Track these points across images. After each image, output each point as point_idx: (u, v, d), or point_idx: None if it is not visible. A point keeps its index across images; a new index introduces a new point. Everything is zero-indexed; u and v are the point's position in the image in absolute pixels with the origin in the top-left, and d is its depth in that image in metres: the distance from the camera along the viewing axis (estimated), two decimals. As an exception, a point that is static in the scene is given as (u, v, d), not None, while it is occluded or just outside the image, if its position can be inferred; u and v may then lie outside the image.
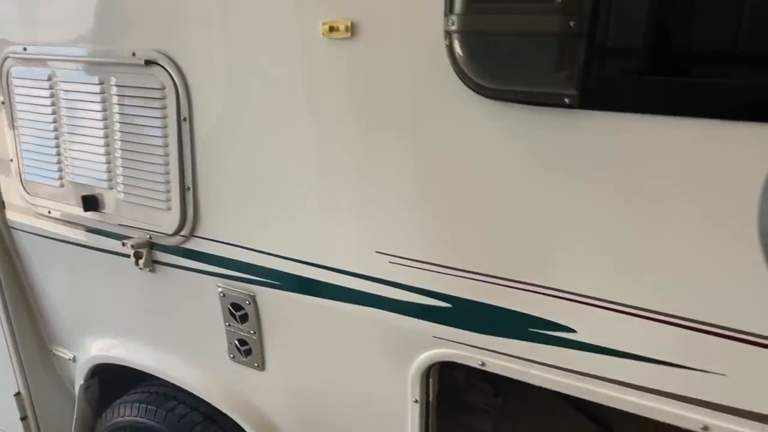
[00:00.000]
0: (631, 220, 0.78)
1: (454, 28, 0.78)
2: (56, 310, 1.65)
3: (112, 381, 1.68)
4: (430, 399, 1.05)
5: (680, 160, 0.72)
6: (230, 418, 1.36)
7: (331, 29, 0.90)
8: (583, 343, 0.85)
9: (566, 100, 0.74)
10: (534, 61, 0.74)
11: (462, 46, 0.78)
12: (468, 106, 0.83)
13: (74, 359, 1.69)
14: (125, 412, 1.58)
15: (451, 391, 1.29)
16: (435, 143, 0.88)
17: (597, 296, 0.82)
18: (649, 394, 0.82)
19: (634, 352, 0.81)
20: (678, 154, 0.72)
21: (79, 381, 1.66)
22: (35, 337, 1.75)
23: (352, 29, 0.89)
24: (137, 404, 1.55)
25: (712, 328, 0.75)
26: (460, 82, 0.81)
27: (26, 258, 1.60)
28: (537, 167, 0.82)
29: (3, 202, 1.55)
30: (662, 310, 0.78)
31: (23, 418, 1.82)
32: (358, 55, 0.90)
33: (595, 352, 0.84)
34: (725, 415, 0.77)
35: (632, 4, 0.72)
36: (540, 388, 0.91)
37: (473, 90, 0.81)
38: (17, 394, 1.79)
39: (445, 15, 0.79)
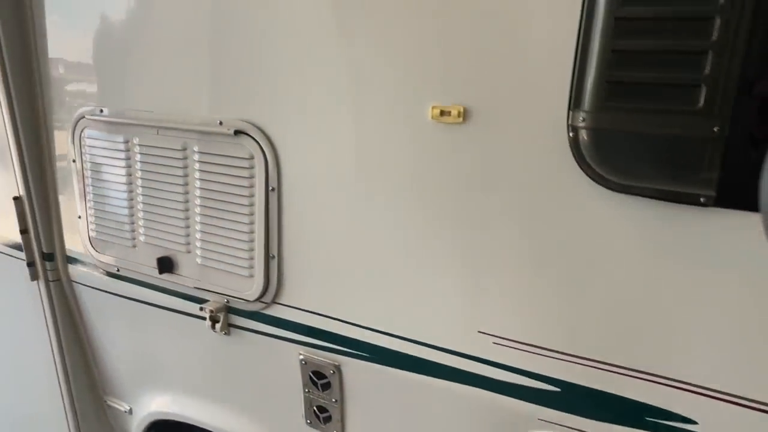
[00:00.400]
0: (757, 317, 0.77)
1: (582, 124, 0.77)
2: (114, 363, 1.63)
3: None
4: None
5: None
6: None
7: (442, 113, 0.90)
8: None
9: (702, 200, 0.74)
10: (672, 162, 0.73)
11: (590, 141, 0.78)
12: (589, 196, 0.82)
13: (130, 411, 1.67)
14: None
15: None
16: (550, 229, 0.88)
17: (721, 389, 0.81)
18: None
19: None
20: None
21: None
22: (90, 387, 1.74)
23: (465, 114, 0.89)
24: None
25: None
26: (582, 172, 0.81)
27: (86, 311, 1.59)
28: (662, 258, 0.81)
29: (67, 257, 1.55)
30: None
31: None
32: (469, 139, 0.90)
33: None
34: None
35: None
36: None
37: (596, 182, 0.80)
38: (69, 445, 1.78)
39: (571, 109, 0.79)
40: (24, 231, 1.52)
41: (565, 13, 0.77)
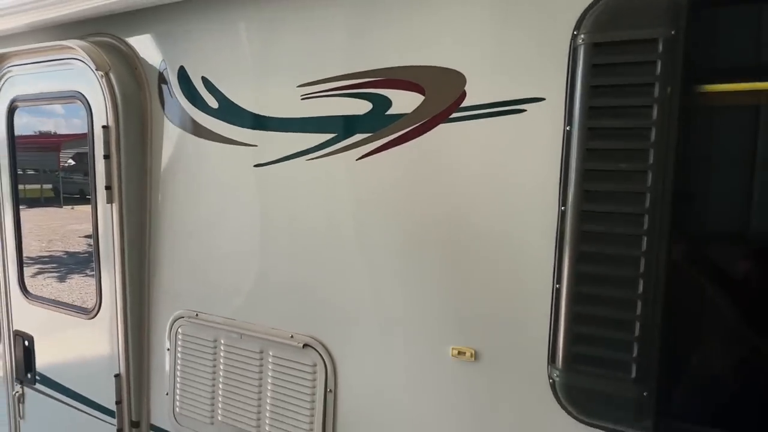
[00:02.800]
0: None
1: (556, 377, 1.12)
2: None
3: None
4: None
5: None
6: None
7: (459, 353, 1.26)
8: None
9: (643, 438, 1.05)
10: (620, 413, 1.06)
11: (562, 389, 1.12)
12: (565, 425, 1.14)
13: None
14: None
15: None
16: (540, 445, 1.19)
17: None
18: None
19: None
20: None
21: None
22: None
23: (475, 355, 1.24)
24: None
25: None
26: (561, 409, 1.14)
27: (160, 473, 1.88)
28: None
29: (151, 426, 1.87)
30: None
31: None
32: (480, 376, 1.24)
33: None
34: None
35: (693, 378, 1.05)
36: None
37: (571, 416, 1.12)
38: None
39: (548, 363, 1.14)
40: (119, 402, 1.87)
41: (543, 291, 1.15)
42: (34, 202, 2.17)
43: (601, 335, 1.08)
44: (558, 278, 1.12)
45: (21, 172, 2.13)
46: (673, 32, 0.99)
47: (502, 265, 1.21)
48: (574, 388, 1.11)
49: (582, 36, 1.06)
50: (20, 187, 2.13)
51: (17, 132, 2.10)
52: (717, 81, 1.04)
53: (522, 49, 1.17)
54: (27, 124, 2.08)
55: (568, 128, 1.10)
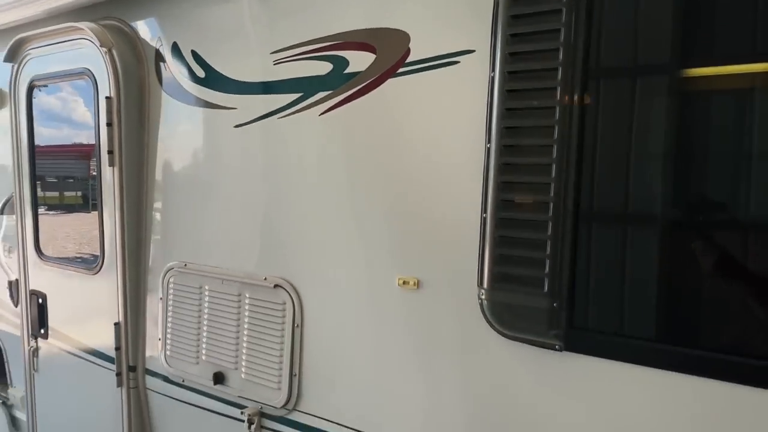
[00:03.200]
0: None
1: (482, 297, 1.25)
2: (170, 459, 2.05)
3: None
4: None
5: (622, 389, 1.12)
6: None
7: (404, 282, 1.40)
8: None
9: (557, 347, 1.18)
10: (536, 324, 1.19)
11: (487, 307, 1.25)
12: (493, 340, 1.27)
13: (178, 503, 2.04)
14: None
15: None
16: (471, 356, 1.31)
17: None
18: None
19: None
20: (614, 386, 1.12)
21: None
22: (147, 480, 2.14)
23: (419, 284, 1.38)
24: None
25: None
26: (488, 325, 1.27)
27: (154, 415, 2.06)
28: (537, 383, 1.23)
29: (144, 369, 2.05)
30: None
31: None
32: (418, 298, 1.38)
33: None
34: None
35: (597, 290, 1.18)
36: None
37: (496, 332, 1.25)
38: None
39: (478, 285, 1.27)
40: (118, 348, 2.05)
41: (474, 221, 1.28)
42: (51, 188, 2.40)
43: (519, 255, 1.21)
44: (484, 208, 1.26)
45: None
46: (575, -16, 1.13)
47: (440, 200, 1.36)
48: (497, 305, 1.24)
49: (500, -5, 1.21)
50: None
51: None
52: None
53: (455, 7, 1.32)
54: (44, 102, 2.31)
55: (492, 74, 1.24)
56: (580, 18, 1.13)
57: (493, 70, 1.24)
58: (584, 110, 1.15)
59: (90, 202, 2.18)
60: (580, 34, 1.14)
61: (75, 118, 2.23)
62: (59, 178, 2.40)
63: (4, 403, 2.82)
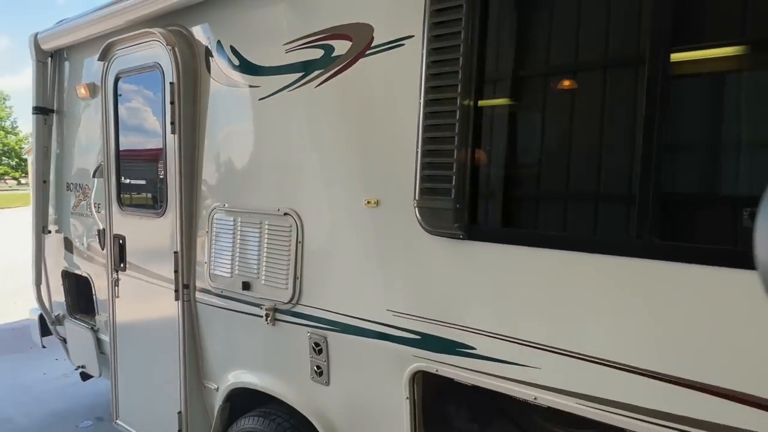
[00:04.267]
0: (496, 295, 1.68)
1: (416, 207, 1.81)
2: (211, 356, 2.71)
3: (236, 408, 2.65)
4: (416, 398, 1.90)
5: (522, 265, 1.64)
6: (310, 428, 2.25)
7: (368, 202, 1.97)
8: (481, 354, 1.70)
9: (460, 236, 1.71)
10: (446, 221, 1.73)
11: (419, 213, 1.80)
12: (425, 236, 1.81)
13: (217, 389, 2.69)
14: (245, 423, 2.52)
15: (442, 412, 2.11)
16: (412, 250, 1.87)
17: (485, 330, 1.70)
18: (510, 382, 1.64)
19: (500, 358, 1.66)
20: (514, 261, 1.64)
21: (218, 404, 2.65)
22: (196, 372, 2.81)
23: (377, 204, 1.95)
24: (253, 417, 2.50)
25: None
26: (419, 226, 1.81)
27: (200, 321, 2.72)
28: (450, 263, 1.76)
29: (195, 286, 2.73)
30: (510, 334, 1.64)
31: (179, 431, 2.82)
32: (379, 213, 1.95)
33: (488, 360, 1.69)
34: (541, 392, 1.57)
35: (486, 196, 1.70)
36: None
37: (424, 229, 1.80)
38: (179, 413, 2.81)
39: (413, 199, 1.83)
40: (176, 271, 2.74)
41: (412, 164, 1.83)
42: (129, 156, 3.14)
43: (435, 177, 1.75)
44: (418, 143, 1.81)
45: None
46: (470, -14, 1.67)
47: (392, 145, 1.92)
48: (424, 210, 1.79)
49: (426, -7, 1.77)
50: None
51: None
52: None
53: (401, 8, 1.88)
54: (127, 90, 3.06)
55: (422, 52, 1.80)
56: (476, 13, 1.68)
57: (423, 49, 1.80)
58: (480, 84, 1.69)
59: (157, 163, 2.88)
60: (476, 25, 1.68)
61: (148, 102, 2.95)
62: (135, 148, 3.13)
63: (92, 328, 3.61)
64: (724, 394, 1.29)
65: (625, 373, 1.43)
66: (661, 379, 1.38)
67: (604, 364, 1.47)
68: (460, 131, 1.70)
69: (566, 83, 1.60)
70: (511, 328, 1.64)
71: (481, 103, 1.69)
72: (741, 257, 1.21)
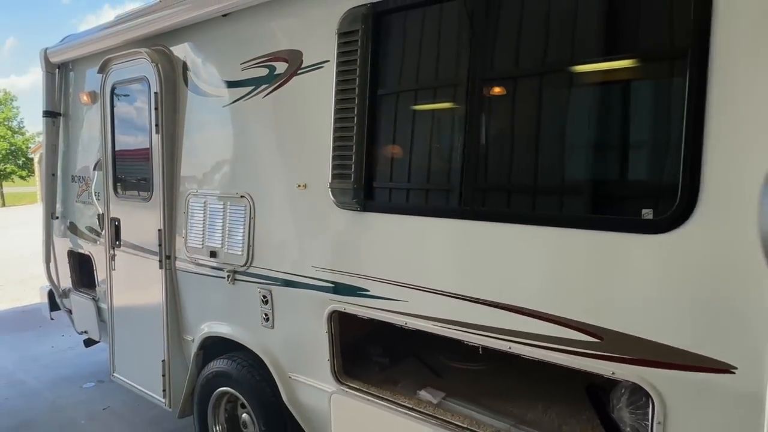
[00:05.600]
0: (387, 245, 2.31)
1: (329, 189, 2.44)
2: (188, 313, 3.35)
3: (209, 355, 3.28)
4: (333, 332, 2.53)
5: (395, 227, 2.27)
6: (262, 364, 2.88)
7: (299, 186, 2.60)
8: (373, 294, 2.33)
9: (358, 209, 2.34)
10: (348, 198, 2.36)
11: (331, 192, 2.43)
12: (335, 210, 2.44)
13: (193, 341, 3.33)
14: (214, 365, 3.16)
15: (358, 348, 2.75)
16: (328, 219, 2.50)
17: (378, 277, 2.32)
18: (390, 313, 2.27)
19: (384, 296, 2.28)
20: (391, 225, 2.27)
21: (194, 351, 3.29)
22: (177, 329, 3.45)
23: (305, 186, 2.58)
24: (220, 360, 3.14)
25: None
26: (333, 201, 2.44)
27: (179, 285, 3.37)
28: (352, 228, 2.39)
29: (175, 257, 3.37)
30: (389, 278, 2.26)
31: (163, 375, 3.46)
32: (306, 194, 2.58)
33: (377, 298, 2.32)
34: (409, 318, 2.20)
35: (376, 179, 2.33)
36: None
37: (335, 204, 2.43)
38: (163, 361, 3.45)
39: (329, 182, 2.45)
40: (160, 245, 3.38)
41: (329, 157, 2.46)
42: (123, 152, 3.78)
43: (342, 163, 2.38)
44: (331, 141, 2.44)
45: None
46: (363, 27, 2.29)
47: (317, 140, 2.55)
48: (334, 190, 2.42)
49: (336, 30, 2.40)
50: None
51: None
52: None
53: (321, 38, 2.51)
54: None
55: (335, 73, 2.43)
56: (366, 46, 2.30)
57: (334, 70, 2.43)
58: (368, 98, 2.32)
59: (145, 158, 3.51)
60: (366, 55, 2.31)
61: (137, 108, 3.60)
62: (128, 146, 3.77)
63: (93, 298, 4.26)
64: (514, 309, 1.91)
65: (460, 300, 2.06)
66: (480, 303, 2.00)
67: (447, 295, 2.09)
68: (357, 132, 2.33)
69: (414, 102, 2.24)
70: (390, 273, 2.27)
71: (369, 111, 2.32)
72: (514, 217, 1.85)
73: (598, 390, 2.35)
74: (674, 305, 1.59)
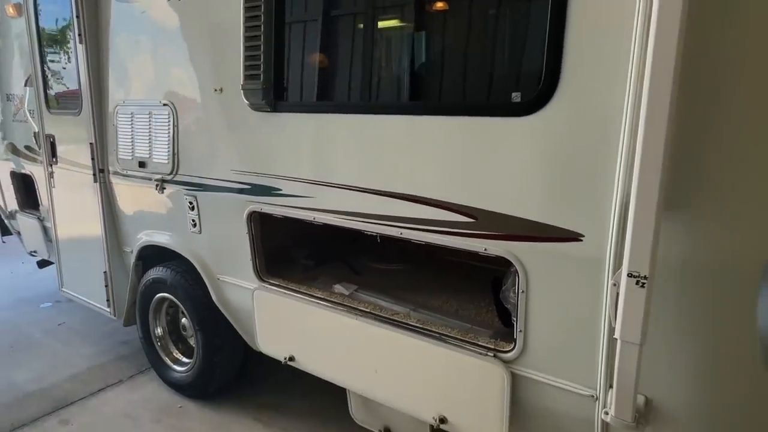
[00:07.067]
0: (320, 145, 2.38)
1: (242, 89, 2.46)
2: (125, 225, 3.43)
3: (147, 265, 3.39)
4: (254, 233, 2.64)
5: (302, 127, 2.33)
6: (193, 269, 2.99)
7: (215, 90, 2.62)
8: (285, 193, 2.42)
9: (268, 109, 2.38)
10: (259, 99, 2.39)
11: (244, 94, 2.46)
12: (249, 112, 2.48)
13: (131, 251, 3.43)
14: (151, 273, 3.28)
15: (287, 252, 2.88)
16: (240, 126, 2.54)
17: (288, 176, 2.41)
18: (296, 209, 2.37)
19: (295, 194, 2.38)
20: (298, 124, 2.32)
21: (132, 261, 3.39)
22: (115, 242, 3.53)
23: (221, 90, 2.60)
24: (156, 268, 3.25)
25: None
26: (246, 104, 2.48)
27: (114, 197, 3.42)
28: (265, 130, 2.44)
29: (109, 170, 3.39)
30: (299, 176, 2.35)
31: (106, 286, 3.58)
32: (222, 98, 2.60)
33: (288, 197, 2.41)
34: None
35: (287, 79, 2.36)
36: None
37: (248, 106, 2.47)
38: (105, 272, 3.56)
39: (242, 83, 2.48)
40: (93, 159, 3.39)
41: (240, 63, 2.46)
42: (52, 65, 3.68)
43: (252, 64, 2.39)
44: (241, 47, 2.44)
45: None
46: None
47: (228, 43, 2.53)
48: (247, 92, 2.45)
49: None
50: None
51: (39, 13, 3.60)
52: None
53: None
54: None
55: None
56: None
57: (243, -33, 2.39)
58: (275, 15, 2.30)
59: (73, 70, 3.45)
60: None
61: (61, 18, 3.48)
62: (55, 58, 3.68)
63: (38, 218, 4.29)
64: (404, 197, 2.02)
65: (359, 192, 2.16)
66: (376, 193, 2.10)
67: (348, 189, 2.19)
68: (264, 33, 2.33)
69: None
70: (299, 171, 2.35)
71: (276, 11, 2.30)
72: (400, 108, 1.92)
73: (500, 281, 2.53)
74: (535, 182, 1.71)
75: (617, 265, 1.56)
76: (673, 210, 1.45)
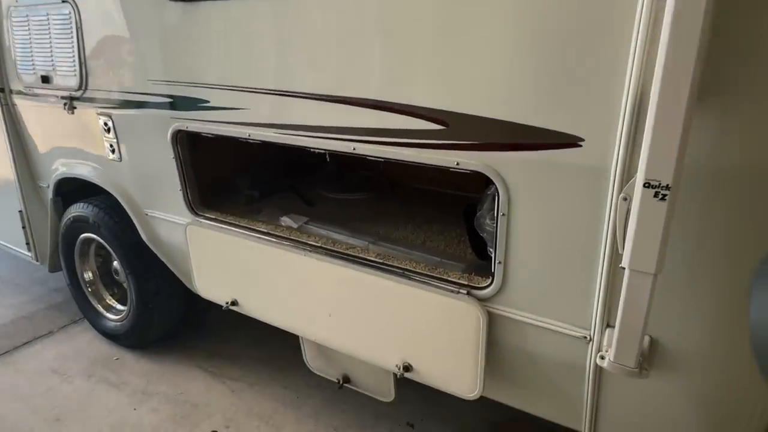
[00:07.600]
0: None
1: (150, -29, 1.94)
2: (38, 157, 2.91)
3: (68, 202, 2.91)
4: (182, 156, 2.19)
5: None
6: (119, 204, 2.54)
7: None
8: (214, 106, 1.97)
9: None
10: None
11: None
12: (166, 3, 1.97)
13: (48, 186, 2.93)
14: (72, 210, 2.81)
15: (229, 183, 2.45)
16: (156, 21, 2.03)
17: (217, 84, 1.95)
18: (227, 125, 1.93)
19: (225, 106, 1.93)
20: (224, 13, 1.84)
21: (50, 197, 2.91)
22: (29, 176, 3.03)
23: (129, -23, 2.07)
24: (77, 205, 2.79)
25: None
26: None
27: (21, 123, 2.88)
28: (187, 26, 1.95)
29: (11, 90, 2.83)
30: (229, 83, 1.90)
31: (24, 227, 3.11)
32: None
33: (218, 110, 1.96)
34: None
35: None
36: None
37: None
38: (20, 211, 3.08)
39: (151, -33, 1.95)
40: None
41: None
42: None
43: None
44: None
45: None
46: None
47: None
48: None
49: None
50: None
51: None
52: None
53: None
54: None
55: None
56: None
57: None
58: None
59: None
60: None
61: None
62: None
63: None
64: (359, 102, 1.61)
65: (302, 99, 1.73)
66: (325, 100, 1.68)
67: (289, 95, 1.76)
68: None
69: None
70: (229, 77, 1.89)
71: None
72: None
73: (474, 207, 2.19)
74: (522, 73, 1.32)
75: (626, 175, 1.22)
76: (703, 99, 1.10)
